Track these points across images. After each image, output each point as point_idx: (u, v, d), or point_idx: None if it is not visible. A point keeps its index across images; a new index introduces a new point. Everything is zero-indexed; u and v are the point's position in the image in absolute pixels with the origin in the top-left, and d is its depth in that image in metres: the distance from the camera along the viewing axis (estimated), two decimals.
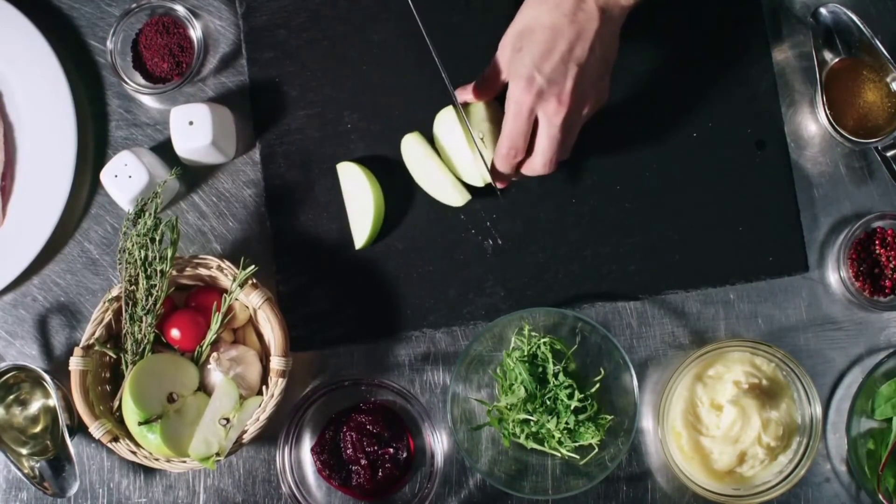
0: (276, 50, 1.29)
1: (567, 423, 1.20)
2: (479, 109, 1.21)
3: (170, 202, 1.29)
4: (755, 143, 1.26)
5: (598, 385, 1.23)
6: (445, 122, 1.24)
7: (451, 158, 1.24)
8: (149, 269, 1.17)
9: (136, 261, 1.17)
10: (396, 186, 1.26)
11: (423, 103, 1.27)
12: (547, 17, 1.10)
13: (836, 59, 1.24)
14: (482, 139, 1.20)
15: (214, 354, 1.18)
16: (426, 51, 1.17)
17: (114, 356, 1.22)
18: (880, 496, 1.18)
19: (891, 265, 1.23)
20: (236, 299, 1.21)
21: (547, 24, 1.10)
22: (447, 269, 1.26)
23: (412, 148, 1.25)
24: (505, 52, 1.15)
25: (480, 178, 1.22)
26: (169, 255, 1.17)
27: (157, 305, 1.17)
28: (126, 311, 1.18)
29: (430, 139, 1.25)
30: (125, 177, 1.22)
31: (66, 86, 1.28)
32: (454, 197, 1.24)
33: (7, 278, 1.27)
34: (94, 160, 1.30)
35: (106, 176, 1.23)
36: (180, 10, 1.28)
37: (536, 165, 1.16)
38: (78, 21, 1.32)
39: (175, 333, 1.19)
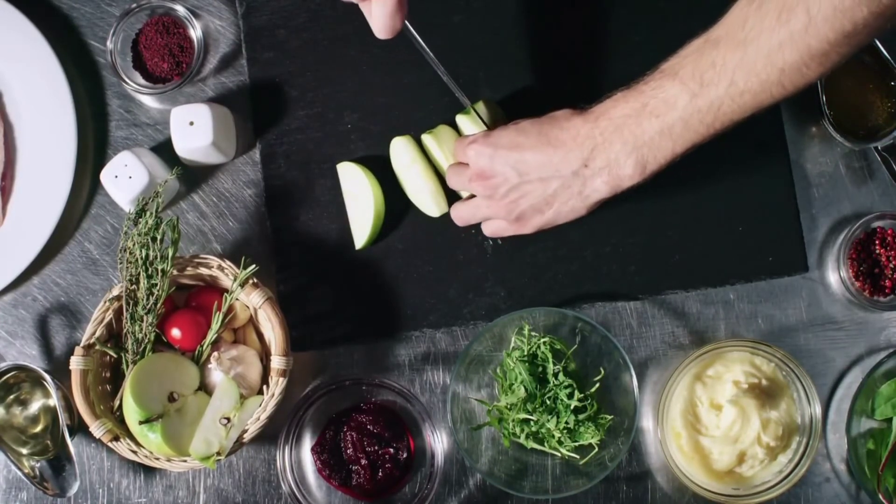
0: (276, 50, 1.29)
1: (567, 422, 1.20)
2: (480, 109, 1.22)
3: (170, 202, 1.29)
4: (755, 144, 1.26)
5: (598, 385, 1.23)
6: (428, 143, 1.24)
7: (445, 168, 1.24)
8: (150, 269, 1.17)
9: (137, 260, 1.17)
10: (397, 186, 1.26)
11: (424, 103, 1.27)
12: (545, 153, 1.11)
13: None
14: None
15: (215, 354, 1.18)
16: (426, 52, 1.17)
17: (114, 356, 1.22)
18: (880, 496, 1.18)
19: (891, 265, 1.23)
20: (237, 299, 1.21)
21: (540, 155, 1.11)
22: (447, 269, 1.26)
23: (398, 151, 1.25)
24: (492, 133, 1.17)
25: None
26: (170, 254, 1.17)
27: (158, 305, 1.17)
28: (127, 310, 1.18)
29: (422, 142, 1.26)
30: (125, 177, 1.22)
31: (66, 86, 1.28)
32: (431, 207, 1.24)
33: (7, 278, 1.27)
34: (94, 160, 1.30)
35: (106, 176, 1.23)
36: (180, 10, 1.28)
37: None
38: (78, 21, 1.32)
39: (176, 333, 1.19)
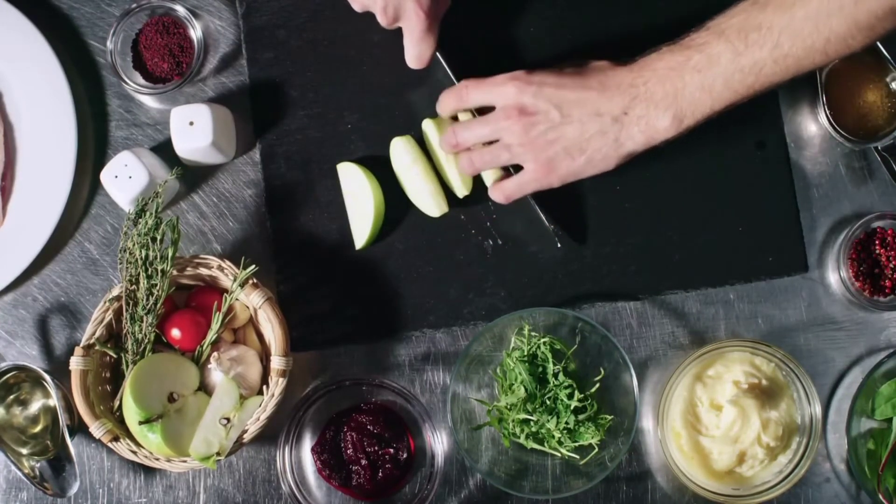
0: (276, 50, 1.29)
1: (567, 423, 1.20)
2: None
3: (170, 202, 1.29)
4: (755, 144, 1.26)
5: (598, 385, 1.23)
6: (430, 134, 1.24)
7: (443, 166, 1.24)
8: (150, 269, 1.17)
9: (136, 260, 1.17)
10: (397, 187, 1.26)
11: (424, 103, 1.27)
12: (588, 95, 1.11)
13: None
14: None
15: (215, 354, 1.18)
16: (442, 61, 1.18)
17: (114, 356, 1.22)
18: (880, 496, 1.18)
19: (891, 265, 1.23)
20: (237, 299, 1.21)
21: (585, 100, 1.11)
22: (447, 269, 1.26)
23: (399, 152, 1.25)
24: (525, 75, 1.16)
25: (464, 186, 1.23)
26: (170, 254, 1.17)
27: (158, 305, 1.17)
28: (127, 310, 1.18)
29: (422, 142, 1.26)
30: (125, 177, 1.22)
31: (66, 86, 1.28)
32: (431, 207, 1.24)
33: (7, 278, 1.27)
34: (94, 160, 1.30)
35: (106, 176, 1.23)
36: (180, 10, 1.28)
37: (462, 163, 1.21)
38: (78, 21, 1.32)
39: (175, 333, 1.19)
